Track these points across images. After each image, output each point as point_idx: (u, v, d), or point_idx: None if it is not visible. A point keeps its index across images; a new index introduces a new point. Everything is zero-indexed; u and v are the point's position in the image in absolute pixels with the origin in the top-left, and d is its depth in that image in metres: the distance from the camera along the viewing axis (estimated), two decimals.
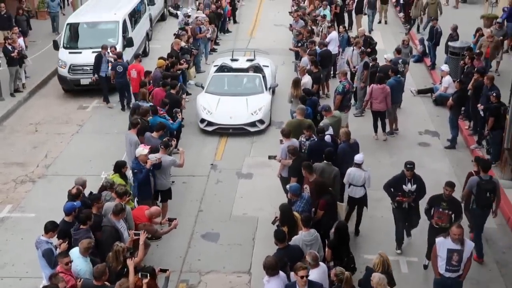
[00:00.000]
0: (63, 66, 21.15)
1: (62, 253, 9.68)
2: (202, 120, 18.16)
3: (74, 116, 19.79)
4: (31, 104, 20.94)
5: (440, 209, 11.51)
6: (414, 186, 12.13)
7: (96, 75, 20.16)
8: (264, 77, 19.56)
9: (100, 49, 20.06)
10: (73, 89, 21.34)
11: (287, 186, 12.12)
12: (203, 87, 19.22)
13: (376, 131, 17.71)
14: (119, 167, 12.56)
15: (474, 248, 11.60)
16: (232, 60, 21.01)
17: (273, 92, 19.81)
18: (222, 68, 20.48)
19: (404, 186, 12.12)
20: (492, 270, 12.18)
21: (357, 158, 12.93)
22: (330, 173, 12.65)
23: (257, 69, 20.18)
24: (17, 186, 15.55)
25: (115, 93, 20.39)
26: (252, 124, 18.02)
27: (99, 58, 20.04)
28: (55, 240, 10.42)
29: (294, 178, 12.65)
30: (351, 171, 12.84)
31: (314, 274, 9.40)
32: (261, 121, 18.12)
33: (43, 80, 22.57)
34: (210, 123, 18.06)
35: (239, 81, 19.72)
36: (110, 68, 19.63)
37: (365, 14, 27.66)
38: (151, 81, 17.78)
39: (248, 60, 20.98)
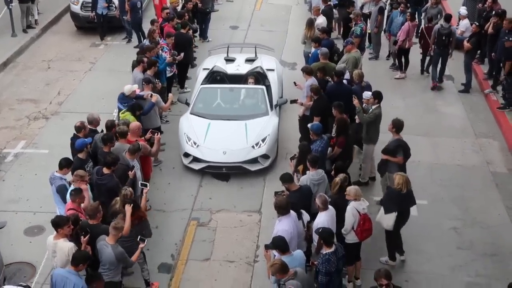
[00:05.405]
0: (75, 2, 21.00)
1: (78, 190, 9.78)
2: (186, 154, 13.57)
3: (86, 54, 19.73)
4: (43, 40, 20.85)
5: None
6: None
7: (94, 12, 20.16)
8: (268, 88, 14.83)
9: None
10: (85, 26, 21.24)
11: (309, 125, 11.93)
12: (188, 104, 14.51)
13: (400, 68, 17.88)
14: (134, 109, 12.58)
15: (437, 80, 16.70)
16: (227, 60, 16.15)
17: (279, 108, 15.04)
18: (214, 75, 15.67)
19: None
20: (501, 215, 12.19)
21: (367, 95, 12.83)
22: None
23: (260, 75, 15.43)
24: (30, 123, 15.65)
25: (119, 31, 20.57)
26: (254, 160, 13.39)
27: None
28: (69, 176, 10.55)
29: (317, 117, 12.48)
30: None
31: (323, 217, 9.44)
32: (265, 156, 13.46)
33: (55, 16, 22.41)
34: (196, 159, 13.45)
35: (235, 96, 14.75)
36: (129, 4, 19.40)
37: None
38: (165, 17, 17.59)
39: (247, 61, 16.15)
